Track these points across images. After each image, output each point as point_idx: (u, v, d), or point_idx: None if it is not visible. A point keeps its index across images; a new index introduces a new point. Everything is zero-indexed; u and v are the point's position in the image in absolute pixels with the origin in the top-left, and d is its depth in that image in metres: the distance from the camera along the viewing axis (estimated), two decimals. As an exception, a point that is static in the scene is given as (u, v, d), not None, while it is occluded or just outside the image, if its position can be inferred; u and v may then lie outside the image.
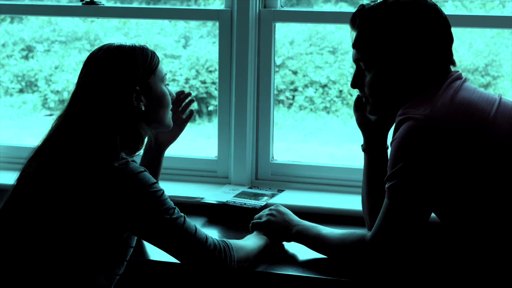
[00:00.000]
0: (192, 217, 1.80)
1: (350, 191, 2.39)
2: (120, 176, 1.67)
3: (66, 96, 4.44)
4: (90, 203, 1.65)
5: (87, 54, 1.80)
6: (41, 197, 1.68)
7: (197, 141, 4.46)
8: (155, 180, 1.71)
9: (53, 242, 1.66)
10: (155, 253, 1.90)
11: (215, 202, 2.28)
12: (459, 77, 1.76)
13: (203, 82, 4.54)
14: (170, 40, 4.61)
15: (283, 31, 4.35)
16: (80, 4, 2.55)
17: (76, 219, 1.66)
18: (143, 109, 1.78)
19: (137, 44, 1.81)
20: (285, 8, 2.46)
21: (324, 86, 4.46)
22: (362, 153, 1.98)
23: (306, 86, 4.47)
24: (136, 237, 1.78)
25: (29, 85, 4.75)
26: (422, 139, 1.64)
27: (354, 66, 1.84)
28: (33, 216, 1.68)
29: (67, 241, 1.66)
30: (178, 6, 3.75)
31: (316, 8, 2.99)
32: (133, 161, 1.72)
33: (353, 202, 2.22)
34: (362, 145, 1.96)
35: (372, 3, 1.78)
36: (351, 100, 1.95)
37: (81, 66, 1.79)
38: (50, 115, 4.66)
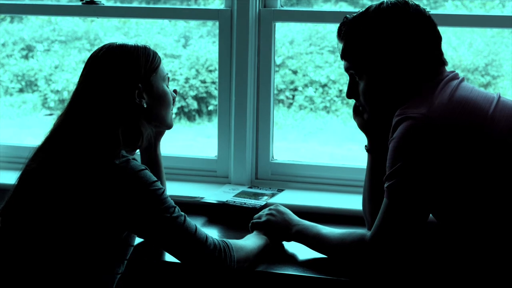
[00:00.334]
0: (192, 216, 1.80)
1: (350, 190, 2.39)
2: (120, 174, 1.67)
3: (66, 95, 4.44)
4: (90, 200, 1.66)
5: (87, 53, 1.81)
6: (42, 194, 1.69)
7: (197, 141, 4.46)
8: (155, 179, 1.71)
9: (54, 240, 1.66)
10: (155, 253, 1.90)
11: (215, 202, 2.28)
12: (456, 76, 1.77)
13: (203, 81, 4.54)
14: (170, 39, 4.62)
15: (283, 31, 4.35)
16: (80, 3, 2.55)
17: (77, 217, 1.66)
18: (145, 106, 1.79)
19: (139, 44, 1.82)
20: (285, 8, 2.46)
21: (324, 86, 4.46)
22: (362, 153, 1.98)
23: (306, 85, 4.47)
24: (136, 236, 1.78)
25: (29, 85, 4.75)
26: (420, 138, 1.64)
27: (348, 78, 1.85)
28: (34, 214, 1.68)
29: (68, 239, 1.66)
30: (178, 5, 3.75)
31: (316, 8, 2.99)
32: (134, 159, 1.73)
33: (353, 202, 2.22)
34: (365, 146, 1.96)
35: (355, 14, 1.81)
36: (351, 100, 1.94)
37: (81, 65, 1.80)
38: (50, 114, 4.66)
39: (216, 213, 2.26)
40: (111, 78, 1.75)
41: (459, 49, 4.11)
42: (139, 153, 1.98)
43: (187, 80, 4.52)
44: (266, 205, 2.19)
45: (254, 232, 1.95)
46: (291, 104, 4.52)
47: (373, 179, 1.92)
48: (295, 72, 4.47)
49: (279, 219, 1.95)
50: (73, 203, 1.66)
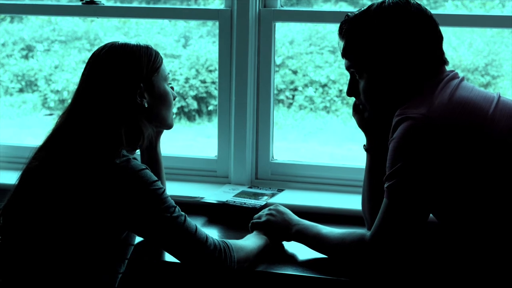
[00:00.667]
0: (192, 216, 1.80)
1: (350, 190, 2.39)
2: (121, 173, 1.67)
3: (66, 95, 4.44)
4: (91, 199, 1.66)
5: (87, 53, 1.81)
6: (43, 193, 1.69)
7: (197, 141, 4.46)
8: (156, 178, 1.71)
9: (54, 238, 1.66)
10: (156, 253, 1.90)
11: (215, 202, 2.28)
12: (456, 76, 1.77)
13: (203, 81, 4.54)
14: (170, 39, 4.62)
15: (283, 31, 4.35)
16: (80, 3, 2.55)
17: (77, 216, 1.66)
18: (146, 106, 1.79)
19: (141, 44, 1.82)
20: (285, 8, 2.46)
21: (324, 86, 4.46)
22: (362, 153, 1.98)
23: (306, 85, 4.47)
24: (136, 235, 1.78)
25: (29, 85, 4.75)
26: (420, 139, 1.64)
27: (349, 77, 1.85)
28: (35, 213, 1.68)
29: (68, 237, 1.66)
30: (178, 5, 3.75)
31: (316, 8, 2.99)
32: (134, 158, 1.73)
33: (353, 202, 2.22)
34: (364, 145, 1.96)
35: (356, 12, 1.80)
36: (351, 100, 1.95)
37: (81, 65, 1.80)
38: (50, 114, 4.66)
39: (216, 213, 2.26)
40: (112, 77, 1.75)
41: (459, 49, 4.11)
42: (139, 152, 1.98)
43: (187, 80, 4.52)
44: (266, 205, 2.19)
45: (254, 232, 1.95)
46: (291, 104, 4.52)
47: (372, 179, 1.92)
48: (295, 72, 4.47)
49: (279, 219, 1.95)
50: (73, 202, 1.66)
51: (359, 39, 1.78)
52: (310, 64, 4.46)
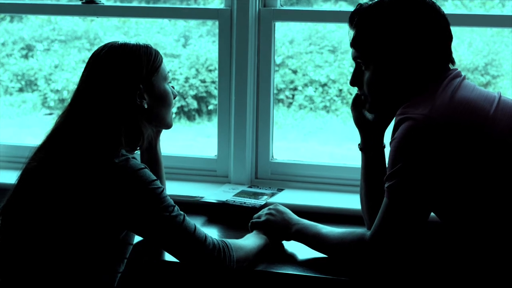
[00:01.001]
0: (191, 216, 1.80)
1: (350, 190, 2.39)
2: (120, 173, 1.67)
3: (66, 95, 4.44)
4: (90, 199, 1.66)
5: (87, 53, 1.81)
6: (42, 193, 1.69)
7: (196, 140, 4.46)
8: (155, 177, 1.71)
9: (53, 238, 1.66)
10: (156, 252, 1.90)
11: (214, 201, 2.28)
12: (458, 74, 1.76)
13: (203, 81, 4.54)
14: (170, 39, 4.62)
15: (283, 30, 4.35)
16: (79, 3, 2.55)
17: (76, 215, 1.66)
18: (146, 107, 1.79)
19: (141, 43, 1.82)
20: (285, 7, 2.46)
21: (324, 85, 4.46)
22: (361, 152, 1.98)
23: (306, 85, 4.47)
24: (135, 235, 1.78)
25: (28, 84, 4.75)
26: (421, 140, 1.64)
27: (354, 65, 1.84)
28: (34, 213, 1.68)
29: (67, 237, 1.66)
30: (178, 5, 3.75)
31: (316, 7, 3.00)
32: (134, 158, 1.73)
33: (353, 201, 2.22)
34: (359, 144, 1.96)
35: (370, 2, 1.79)
36: (351, 99, 1.94)
37: (81, 65, 1.80)
38: (50, 114, 4.66)
39: (216, 212, 2.26)
40: (112, 78, 1.75)
41: (459, 49, 4.10)
42: (138, 152, 1.98)
43: (187, 79, 4.52)
44: (265, 205, 2.19)
45: (254, 232, 1.95)
46: (291, 103, 4.52)
47: (368, 178, 1.93)
48: (295, 72, 4.47)
49: (279, 218, 1.95)
50: (72, 201, 1.66)
51: (370, 30, 1.76)
52: (310, 64, 4.46)
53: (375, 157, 1.93)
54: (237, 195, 2.34)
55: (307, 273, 1.80)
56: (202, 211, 2.26)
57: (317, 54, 4.47)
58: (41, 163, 1.72)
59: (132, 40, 1.82)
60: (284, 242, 1.97)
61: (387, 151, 1.92)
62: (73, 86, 1.78)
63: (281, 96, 4.50)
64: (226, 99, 2.48)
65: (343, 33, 4.38)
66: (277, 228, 1.94)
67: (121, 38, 1.83)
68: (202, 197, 2.32)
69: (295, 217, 1.95)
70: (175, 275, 1.88)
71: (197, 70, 4.54)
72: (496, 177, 1.64)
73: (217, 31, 2.46)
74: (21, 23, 4.72)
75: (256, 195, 2.34)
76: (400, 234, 1.69)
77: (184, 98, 4.50)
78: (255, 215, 2.01)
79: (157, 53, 1.83)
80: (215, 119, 3.70)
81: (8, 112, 4.67)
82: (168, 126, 1.92)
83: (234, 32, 2.42)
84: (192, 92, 4.53)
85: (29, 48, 4.73)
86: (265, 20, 2.43)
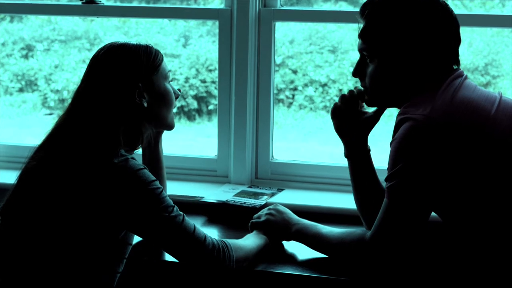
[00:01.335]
0: (191, 216, 1.80)
1: (350, 190, 2.38)
2: (119, 173, 1.67)
3: (66, 95, 4.45)
4: (89, 199, 1.65)
5: (87, 53, 1.81)
6: (41, 193, 1.69)
7: (197, 140, 4.47)
8: (154, 178, 1.71)
9: (53, 238, 1.66)
10: (155, 252, 1.90)
11: (214, 201, 2.28)
12: (460, 74, 1.75)
13: (203, 81, 4.54)
14: (170, 39, 4.62)
15: (283, 30, 4.36)
16: (80, 3, 2.55)
17: (75, 216, 1.66)
18: (145, 106, 1.79)
19: (142, 43, 1.82)
20: (285, 7, 2.45)
21: (324, 85, 4.46)
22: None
23: (306, 85, 4.47)
24: (135, 235, 1.78)
25: (29, 84, 4.75)
26: (422, 140, 1.64)
27: (354, 65, 1.84)
28: (33, 213, 1.68)
29: (67, 237, 1.66)
30: (178, 5, 3.75)
31: (316, 7, 3.00)
32: (133, 158, 1.72)
33: (353, 201, 2.22)
34: (344, 152, 1.96)
35: None
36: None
37: (81, 65, 1.81)
38: (50, 114, 4.66)
39: (216, 212, 2.26)
40: (110, 77, 1.75)
41: (459, 49, 4.10)
42: (139, 152, 1.98)
43: (187, 79, 4.53)
44: (266, 205, 2.19)
45: (254, 232, 1.95)
46: (291, 103, 4.53)
47: (357, 184, 1.94)
48: (295, 72, 4.47)
49: (279, 218, 1.95)
50: (71, 201, 1.66)
51: (380, 23, 1.74)
52: (310, 64, 4.47)
53: (361, 162, 1.93)
54: (237, 195, 2.34)
55: (307, 273, 1.80)
56: (202, 211, 2.26)
57: (317, 54, 4.47)
58: (41, 162, 1.72)
59: (133, 40, 1.82)
60: (284, 242, 1.97)
61: (373, 154, 1.94)
62: (73, 86, 1.79)
63: (281, 96, 4.51)
64: (226, 99, 2.48)
65: (343, 33, 4.39)
66: (277, 228, 1.94)
67: (121, 38, 1.83)
68: (202, 197, 2.32)
69: (295, 217, 1.95)
70: (175, 275, 1.88)
71: (197, 70, 4.55)
72: (496, 177, 1.64)
73: (217, 31, 2.46)
74: (21, 23, 4.73)
75: (256, 195, 2.34)
76: (400, 234, 1.69)
77: (184, 98, 4.50)
78: (255, 215, 2.00)
79: (157, 52, 1.83)
80: (215, 119, 3.71)
81: (8, 112, 4.67)
82: (169, 126, 1.91)
83: (234, 32, 2.42)
84: (192, 92, 4.53)
85: (29, 48, 4.74)
86: (265, 20, 2.43)
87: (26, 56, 4.73)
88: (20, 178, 1.74)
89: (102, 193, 1.66)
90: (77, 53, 4.60)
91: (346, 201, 2.29)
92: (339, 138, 1.97)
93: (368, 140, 1.96)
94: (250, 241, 1.86)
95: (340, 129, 1.94)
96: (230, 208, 2.25)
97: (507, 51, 4.23)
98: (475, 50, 4.23)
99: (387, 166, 1.70)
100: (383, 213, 1.70)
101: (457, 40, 1.77)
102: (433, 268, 1.81)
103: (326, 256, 1.86)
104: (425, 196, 1.66)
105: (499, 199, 1.64)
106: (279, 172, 2.51)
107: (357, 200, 1.96)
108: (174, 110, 1.93)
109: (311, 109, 4.49)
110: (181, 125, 4.50)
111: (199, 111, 4.60)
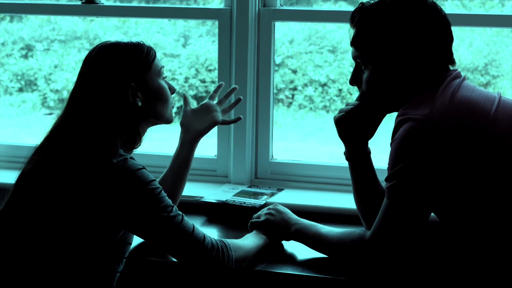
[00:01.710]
0: (191, 216, 1.80)
1: (350, 190, 2.37)
2: (118, 173, 1.67)
3: (66, 95, 4.44)
4: (88, 199, 1.65)
5: (87, 53, 1.80)
6: (39, 194, 1.69)
7: (196, 140, 4.45)
8: (153, 178, 1.71)
9: (52, 239, 1.66)
10: (155, 252, 1.90)
11: (214, 201, 2.28)
12: (458, 75, 1.76)
13: (203, 81, 4.54)
14: (170, 39, 4.62)
15: (282, 30, 4.36)
16: (79, 3, 2.55)
17: (74, 216, 1.66)
18: (140, 104, 1.78)
19: (133, 41, 1.81)
20: (285, 7, 2.45)
21: (323, 85, 4.46)
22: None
23: (305, 85, 4.48)
24: (134, 235, 1.78)
25: (28, 84, 4.75)
26: (422, 140, 1.64)
27: (354, 65, 1.84)
28: (32, 214, 1.68)
29: (66, 237, 1.66)
30: (178, 5, 3.75)
31: (315, 7, 3.00)
32: (132, 158, 1.72)
33: (353, 201, 2.22)
34: (344, 153, 1.96)
35: (372, 1, 1.79)
36: (351, 99, 1.95)
37: (80, 65, 1.79)
38: (50, 114, 4.66)
39: (216, 212, 2.26)
40: (102, 78, 1.74)
41: (459, 49, 4.11)
42: (137, 152, 1.98)
43: (186, 79, 4.53)
44: (265, 205, 2.19)
45: (253, 232, 1.95)
46: (290, 103, 4.53)
47: (358, 186, 1.94)
48: (294, 72, 4.47)
49: (278, 218, 1.95)
50: (70, 202, 1.66)
51: (371, 30, 1.76)
52: (309, 64, 4.47)
53: (361, 165, 1.93)
54: (237, 195, 2.34)
55: (306, 273, 1.80)
56: (202, 211, 2.26)
57: (317, 54, 4.47)
58: (39, 164, 1.72)
59: (125, 39, 1.81)
60: (284, 242, 1.97)
61: (373, 154, 1.94)
62: (72, 86, 1.78)
63: (281, 96, 4.51)
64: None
65: (343, 33, 4.38)
66: (277, 228, 1.94)
67: (119, 38, 1.83)
68: (202, 197, 2.32)
69: (294, 217, 1.95)
70: (175, 275, 1.88)
71: (196, 70, 4.55)
72: (496, 178, 1.64)
73: (217, 31, 2.46)
74: (21, 23, 4.73)
75: (255, 195, 2.34)
76: (400, 234, 1.69)
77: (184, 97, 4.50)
78: (255, 215, 2.00)
79: (149, 49, 1.81)
80: (215, 119, 3.69)
81: (8, 112, 4.67)
82: (168, 121, 1.89)
83: (234, 32, 2.42)
84: (192, 92, 4.53)
85: (29, 48, 4.74)
86: (265, 20, 2.43)
87: (25, 56, 4.73)
88: (19, 180, 1.74)
89: (101, 193, 1.66)
90: (76, 53, 4.60)
91: (346, 201, 2.29)
92: (341, 141, 1.97)
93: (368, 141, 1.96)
94: (249, 241, 1.86)
95: (344, 135, 1.94)
96: (230, 208, 2.25)
97: (507, 51, 4.23)
98: (475, 50, 4.23)
99: (387, 166, 1.71)
100: (383, 213, 1.70)
101: (450, 39, 1.77)
102: (433, 268, 1.81)
103: (326, 256, 1.86)
104: (425, 196, 1.66)
105: (498, 199, 1.64)
106: (278, 172, 2.51)
107: (357, 200, 1.96)
108: (174, 110, 1.93)
109: (310, 109, 4.49)
110: (181, 125, 4.49)
111: (198, 111, 4.58)
